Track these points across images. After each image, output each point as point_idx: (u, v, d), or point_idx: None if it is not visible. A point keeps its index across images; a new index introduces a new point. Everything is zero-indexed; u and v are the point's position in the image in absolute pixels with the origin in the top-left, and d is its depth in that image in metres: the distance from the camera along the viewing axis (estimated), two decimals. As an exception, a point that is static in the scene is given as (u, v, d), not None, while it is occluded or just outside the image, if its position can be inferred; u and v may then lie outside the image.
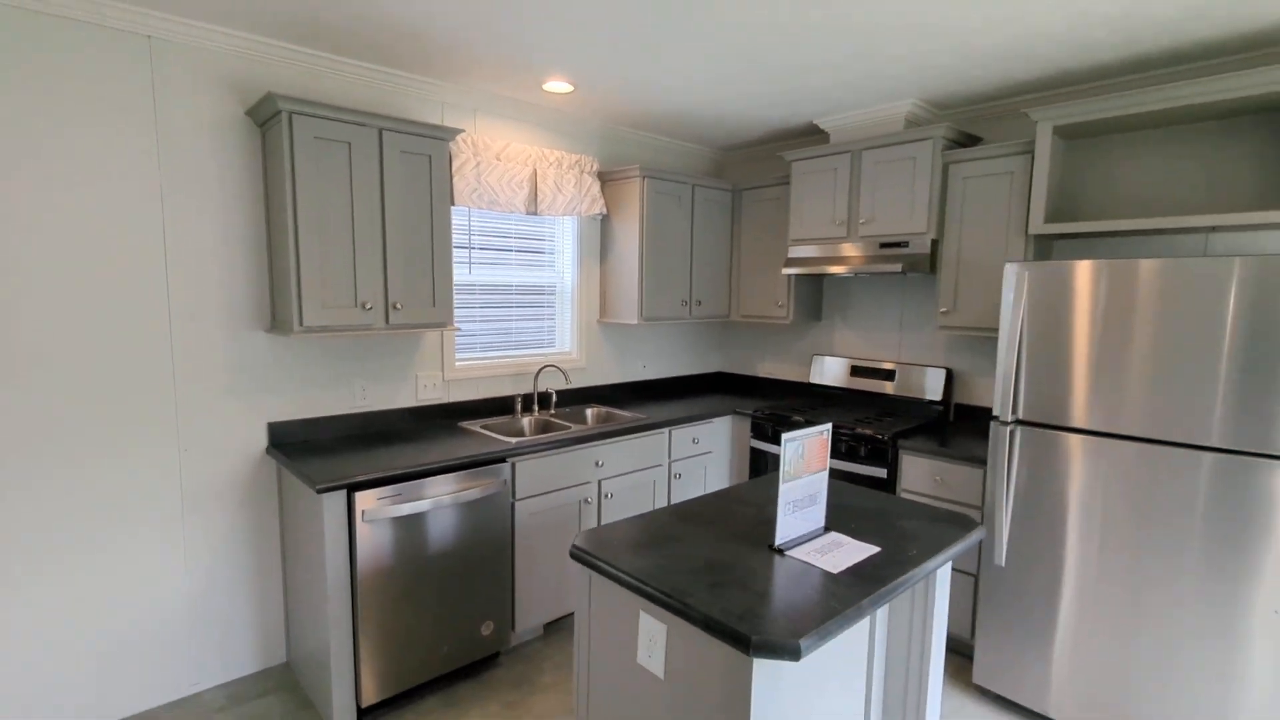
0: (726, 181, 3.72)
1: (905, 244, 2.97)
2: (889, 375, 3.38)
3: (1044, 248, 2.76)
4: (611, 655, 1.55)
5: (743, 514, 1.82)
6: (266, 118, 2.28)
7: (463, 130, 2.61)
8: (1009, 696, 2.37)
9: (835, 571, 1.44)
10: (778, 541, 1.56)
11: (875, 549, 1.58)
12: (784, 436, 1.52)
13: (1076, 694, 2.21)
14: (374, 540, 2.20)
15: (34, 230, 2.01)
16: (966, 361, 3.17)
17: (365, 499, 2.17)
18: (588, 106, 3.14)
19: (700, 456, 3.39)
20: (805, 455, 1.59)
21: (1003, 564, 2.35)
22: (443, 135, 2.53)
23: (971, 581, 2.59)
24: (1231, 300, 1.89)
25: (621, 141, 3.59)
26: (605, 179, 3.45)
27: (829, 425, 1.65)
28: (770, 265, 3.63)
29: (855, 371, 3.53)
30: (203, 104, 2.28)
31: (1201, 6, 1.97)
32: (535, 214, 3.13)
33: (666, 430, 3.19)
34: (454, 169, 2.82)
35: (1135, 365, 2.06)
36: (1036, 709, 2.30)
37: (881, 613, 1.86)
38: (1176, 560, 2.00)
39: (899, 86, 2.75)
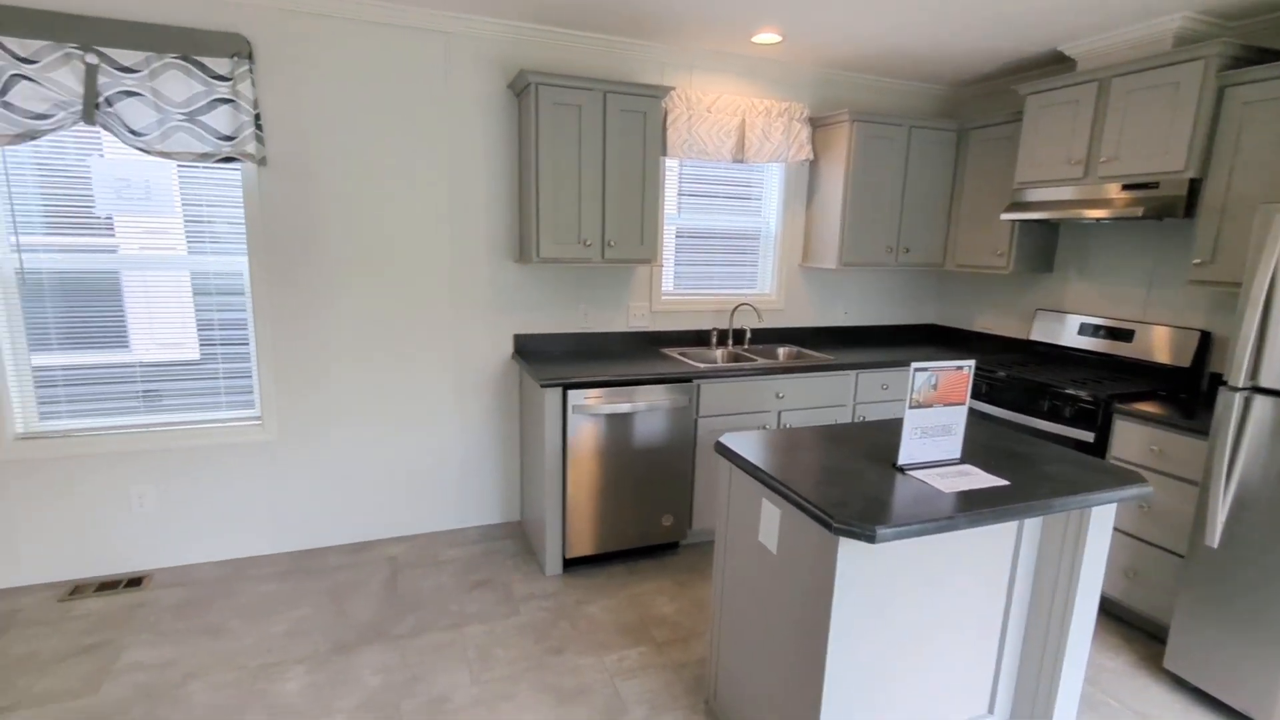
0: (952, 121, 3.52)
1: (1154, 185, 2.59)
2: (1126, 336, 3.00)
3: (1357, 186, 2.22)
4: (741, 532, 1.86)
5: (883, 441, 1.95)
6: (520, 89, 2.86)
7: (674, 87, 2.94)
8: (1202, 687, 2.14)
9: (946, 491, 1.55)
10: (900, 461, 1.69)
11: (1003, 482, 1.62)
12: (914, 365, 1.64)
13: (1295, 704, 1.93)
14: (581, 430, 2.76)
15: (382, 182, 2.86)
16: (1231, 325, 2.69)
17: (576, 396, 2.72)
18: (798, 54, 3.24)
19: (889, 403, 3.41)
20: (938, 386, 1.68)
21: (1215, 545, 2.09)
22: (656, 93, 2.89)
23: (1175, 561, 2.33)
24: None
25: (835, 85, 3.59)
26: (816, 124, 3.52)
27: (970, 362, 1.70)
28: (994, 211, 3.39)
29: (1085, 330, 3.18)
30: (479, 82, 2.93)
31: None
32: (742, 162, 3.36)
33: (853, 373, 3.28)
34: (668, 123, 3.17)
35: None
36: (1232, 704, 2.06)
37: (1025, 556, 1.86)
38: None
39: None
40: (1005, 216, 3.09)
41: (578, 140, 2.81)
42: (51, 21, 2.29)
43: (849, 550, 1.45)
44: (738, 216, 3.60)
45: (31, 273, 2.54)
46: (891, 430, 2.06)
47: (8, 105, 2.28)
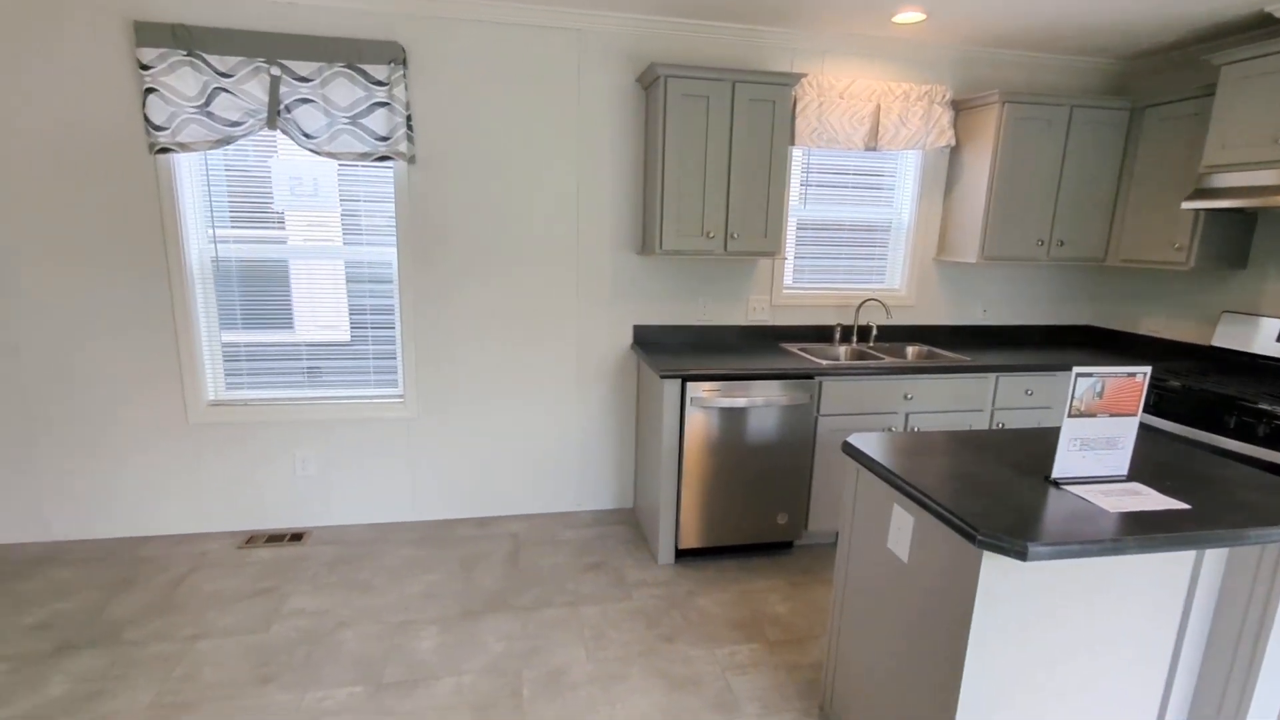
0: (1123, 99, 3.14)
1: (1392, 165, 2.18)
2: (1341, 344, 2.56)
3: None
4: (868, 537, 1.78)
5: (1031, 451, 1.79)
6: (649, 82, 2.88)
7: (805, 75, 2.85)
8: None
9: (1110, 510, 1.40)
10: (1054, 474, 1.54)
11: (1183, 505, 1.44)
12: (1076, 370, 1.48)
13: None
14: (698, 423, 2.76)
15: (516, 176, 3.00)
16: None
17: (695, 389, 2.72)
18: (942, 32, 3.02)
19: (1033, 410, 3.12)
20: (1104, 394, 1.51)
21: None
22: (787, 81, 2.81)
23: None
24: None
25: (982, 64, 3.32)
26: (960, 107, 3.28)
27: (1146, 369, 1.52)
28: (1172, 198, 3.00)
29: (1285, 336, 2.75)
30: (608, 76, 2.99)
31: None
32: (874, 150, 3.19)
33: (993, 375, 3.03)
34: (797, 111, 3.07)
35: None
36: None
37: (1204, 591, 1.64)
38: None
39: None
40: (1188, 205, 2.72)
41: (704, 131, 2.80)
42: (245, 39, 2.59)
43: (993, 566, 1.34)
44: (866, 207, 3.43)
45: (222, 261, 2.91)
46: (1041, 440, 1.89)
47: (210, 115, 2.62)
